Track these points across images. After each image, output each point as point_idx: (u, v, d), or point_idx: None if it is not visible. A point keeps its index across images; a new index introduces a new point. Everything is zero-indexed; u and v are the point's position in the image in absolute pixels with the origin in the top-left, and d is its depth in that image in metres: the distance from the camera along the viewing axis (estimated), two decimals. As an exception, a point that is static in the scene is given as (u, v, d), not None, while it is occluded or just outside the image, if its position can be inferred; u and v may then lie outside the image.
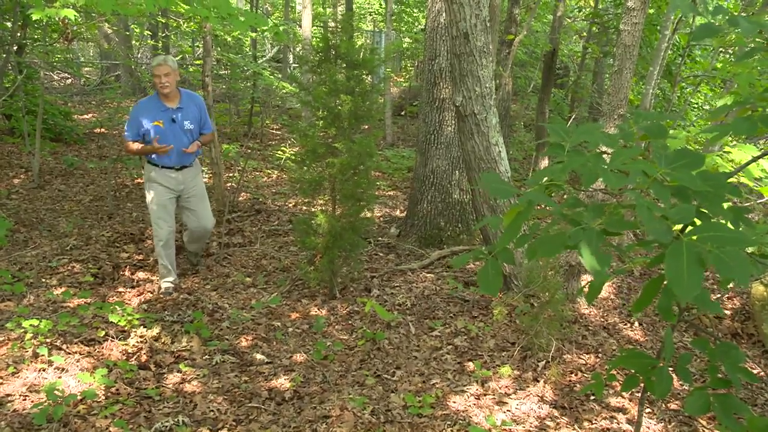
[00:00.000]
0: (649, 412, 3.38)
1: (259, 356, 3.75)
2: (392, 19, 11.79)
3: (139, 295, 4.47)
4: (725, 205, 1.34)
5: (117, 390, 3.25)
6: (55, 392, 3.08)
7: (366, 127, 4.86)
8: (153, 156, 4.41)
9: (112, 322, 3.92)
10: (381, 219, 6.86)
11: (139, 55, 13.02)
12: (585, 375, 3.73)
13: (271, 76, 9.68)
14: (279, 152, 8.97)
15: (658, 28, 7.34)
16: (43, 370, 3.35)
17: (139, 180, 7.57)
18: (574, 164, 1.38)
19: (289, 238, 5.90)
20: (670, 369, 1.65)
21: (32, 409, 2.98)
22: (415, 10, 15.29)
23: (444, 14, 5.45)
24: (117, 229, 5.66)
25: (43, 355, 3.45)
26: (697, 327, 4.37)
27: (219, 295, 4.59)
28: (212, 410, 3.16)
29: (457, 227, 5.94)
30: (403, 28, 15.02)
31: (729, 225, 1.34)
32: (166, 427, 2.98)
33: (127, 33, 11.80)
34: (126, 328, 3.89)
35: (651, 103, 6.32)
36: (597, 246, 1.22)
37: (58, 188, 6.95)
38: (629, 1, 4.84)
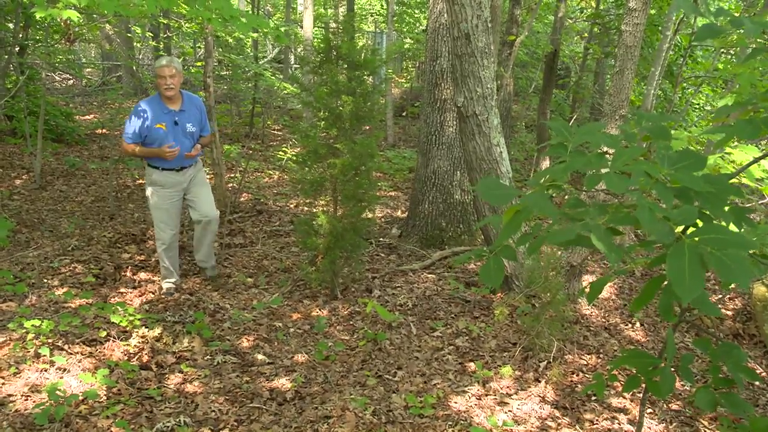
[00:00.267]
0: (650, 413, 3.38)
1: (260, 357, 3.75)
2: (394, 20, 11.80)
3: (140, 296, 4.48)
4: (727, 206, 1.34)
5: (118, 390, 3.25)
6: (57, 392, 3.09)
7: (367, 127, 4.86)
8: (152, 159, 4.35)
9: (113, 322, 3.93)
10: (382, 220, 6.86)
11: (140, 56, 13.04)
12: (586, 375, 3.73)
13: (273, 77, 9.69)
14: (280, 153, 8.97)
15: (660, 28, 7.34)
16: (45, 371, 3.35)
17: (140, 181, 7.58)
18: (577, 164, 1.38)
19: (290, 238, 5.90)
20: (672, 369, 1.65)
21: (34, 410, 2.99)
22: (416, 11, 15.30)
23: (445, 15, 5.46)
24: (118, 229, 5.67)
25: (44, 356, 3.45)
26: (699, 327, 4.37)
27: (220, 295, 4.59)
28: (214, 410, 3.16)
29: (459, 228, 5.94)
30: (405, 29, 15.02)
31: (731, 226, 1.34)
32: (168, 427, 2.99)
33: (129, 35, 11.81)
34: (127, 329, 3.89)
35: (652, 103, 6.32)
36: (607, 238, 1.22)
37: (60, 189, 6.95)
38: (631, 2, 4.84)
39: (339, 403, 3.26)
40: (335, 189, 4.53)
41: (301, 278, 4.83)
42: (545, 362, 3.81)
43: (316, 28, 13.17)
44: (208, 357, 3.70)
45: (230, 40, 10.45)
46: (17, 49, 6.91)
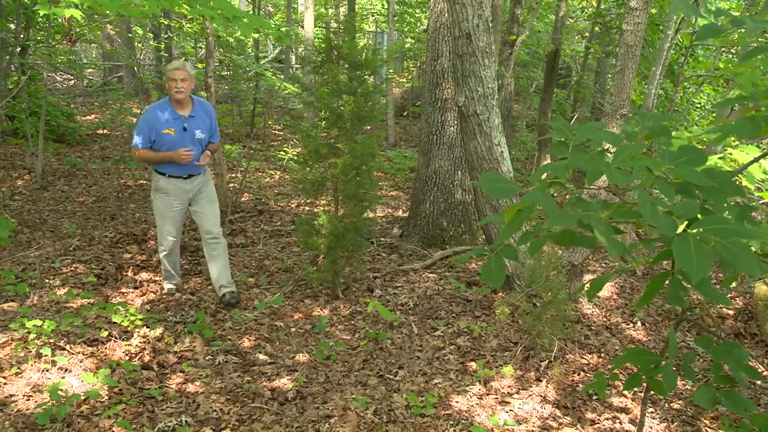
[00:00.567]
0: (651, 412, 3.38)
1: (261, 356, 3.75)
2: (394, 20, 11.80)
3: (142, 296, 4.48)
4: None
5: (120, 390, 3.25)
6: (59, 392, 3.09)
7: (368, 127, 4.86)
8: (160, 164, 4.24)
9: (115, 322, 3.93)
10: (383, 219, 6.86)
11: (141, 57, 13.05)
12: (588, 375, 3.73)
13: (274, 77, 9.70)
14: (281, 153, 8.98)
15: (661, 27, 7.34)
16: (47, 371, 3.36)
17: (141, 181, 7.59)
18: (579, 161, 1.38)
19: (291, 238, 5.91)
20: (674, 368, 1.65)
21: (36, 409, 2.99)
22: (417, 11, 15.30)
23: (446, 15, 5.46)
24: (120, 229, 5.67)
25: (46, 356, 3.45)
26: (700, 326, 4.37)
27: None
28: (215, 410, 3.16)
29: (460, 227, 5.94)
30: (406, 29, 15.02)
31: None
32: (169, 427, 2.99)
33: (130, 35, 11.82)
34: (129, 329, 3.90)
35: (654, 102, 6.31)
36: (608, 232, 1.23)
37: (61, 189, 6.96)
38: (631, 1, 4.84)
39: (340, 402, 3.26)
40: (336, 189, 4.53)
41: (302, 278, 4.83)
42: (546, 361, 3.81)
43: (317, 28, 13.17)
44: (209, 357, 3.71)
45: (231, 41, 10.45)
46: (19, 49, 6.92)
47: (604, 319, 4.55)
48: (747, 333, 4.47)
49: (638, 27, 4.85)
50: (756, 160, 1.96)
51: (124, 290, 4.54)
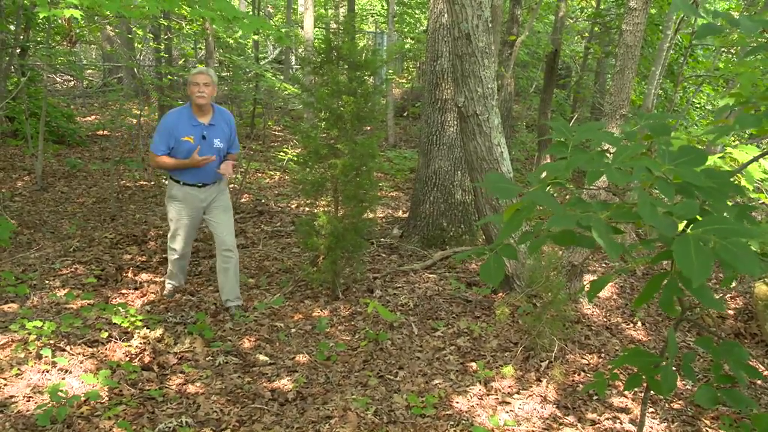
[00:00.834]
0: (652, 412, 3.38)
1: (262, 357, 3.75)
2: (394, 21, 11.81)
3: (142, 297, 4.48)
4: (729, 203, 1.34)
5: (120, 391, 3.25)
6: (59, 393, 3.09)
7: (368, 128, 4.86)
8: (175, 171, 4.17)
9: (115, 323, 3.93)
10: (383, 220, 6.86)
11: (141, 58, 13.05)
12: (588, 375, 3.73)
13: (274, 78, 9.70)
14: (281, 154, 8.98)
15: (660, 27, 7.34)
16: (47, 372, 3.36)
17: (141, 182, 7.59)
18: (578, 161, 1.38)
19: (291, 239, 5.91)
20: (674, 368, 1.65)
21: (36, 411, 2.99)
22: (417, 12, 15.32)
23: (446, 15, 5.46)
24: (120, 230, 5.67)
25: (46, 357, 3.45)
26: (701, 326, 4.37)
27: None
28: (215, 411, 3.16)
29: (460, 228, 5.94)
30: (405, 30, 15.03)
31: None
32: (170, 428, 2.99)
33: (130, 36, 11.82)
34: (129, 330, 3.90)
35: (653, 103, 6.32)
36: (606, 233, 1.22)
37: (61, 190, 6.96)
38: (631, 1, 4.84)
39: (341, 403, 3.26)
40: (336, 189, 4.53)
41: (302, 279, 4.83)
42: (547, 362, 3.81)
43: (316, 29, 13.17)
44: (209, 358, 3.71)
45: (231, 42, 10.46)
46: (18, 50, 6.92)
47: (605, 320, 4.55)
48: (747, 333, 4.48)
49: (638, 27, 4.86)
50: (755, 159, 1.96)
51: (124, 291, 4.54)
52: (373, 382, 3.51)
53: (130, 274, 4.82)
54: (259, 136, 10.85)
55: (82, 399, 3.13)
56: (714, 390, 1.56)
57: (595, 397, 3.48)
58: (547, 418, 3.26)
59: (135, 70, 10.83)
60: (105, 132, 9.86)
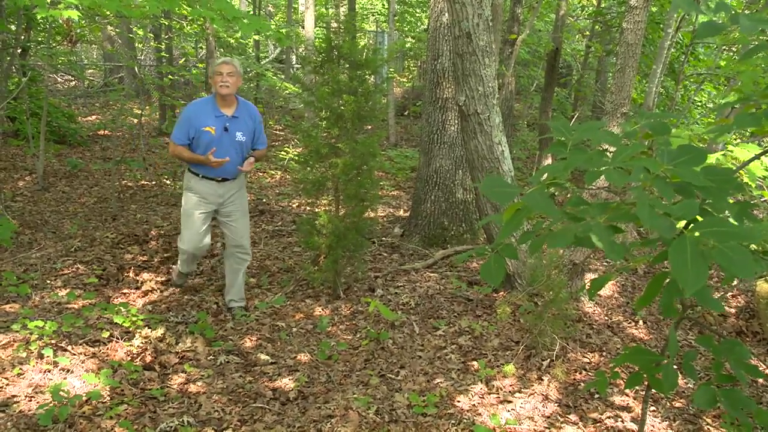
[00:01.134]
0: (653, 411, 3.38)
1: (263, 356, 3.76)
2: (395, 20, 11.80)
3: (143, 296, 4.48)
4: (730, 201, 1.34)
5: (122, 390, 3.26)
6: (61, 393, 3.09)
7: (369, 127, 4.86)
8: (192, 164, 4.07)
9: (116, 323, 3.94)
10: (384, 219, 6.86)
11: (142, 57, 13.06)
12: (589, 374, 3.73)
13: (274, 77, 9.71)
14: (282, 153, 8.98)
15: (661, 26, 7.33)
16: (48, 371, 3.36)
17: (142, 182, 7.60)
18: (577, 161, 1.38)
19: (292, 238, 5.91)
20: (675, 366, 1.65)
21: (38, 410, 2.99)
22: (417, 10, 15.31)
23: (446, 14, 5.45)
24: (121, 230, 5.68)
25: (48, 356, 3.46)
26: (702, 325, 4.37)
27: (223, 295, 4.59)
28: (217, 410, 3.17)
29: (461, 227, 5.94)
30: (406, 28, 15.03)
31: (733, 221, 1.34)
32: (171, 427, 2.99)
33: (130, 36, 11.83)
34: (130, 329, 3.90)
35: (654, 101, 6.31)
36: (607, 236, 1.22)
37: (63, 190, 6.97)
38: (632, 0, 4.84)
39: (342, 402, 3.26)
40: (337, 189, 4.53)
41: (303, 278, 4.84)
42: (548, 360, 3.81)
43: (317, 28, 13.17)
44: (211, 357, 3.71)
45: (232, 41, 10.46)
46: (19, 50, 6.92)
47: (606, 318, 4.55)
48: (749, 331, 4.47)
49: (639, 25, 4.85)
50: (756, 157, 1.96)
51: (125, 291, 4.54)
52: (375, 381, 3.51)
53: (131, 274, 4.82)
54: (260, 135, 10.83)
55: (84, 398, 3.13)
56: (712, 390, 1.55)
57: (596, 396, 3.48)
58: (549, 417, 3.27)
59: (136, 69, 10.83)
60: (106, 132, 9.86)
